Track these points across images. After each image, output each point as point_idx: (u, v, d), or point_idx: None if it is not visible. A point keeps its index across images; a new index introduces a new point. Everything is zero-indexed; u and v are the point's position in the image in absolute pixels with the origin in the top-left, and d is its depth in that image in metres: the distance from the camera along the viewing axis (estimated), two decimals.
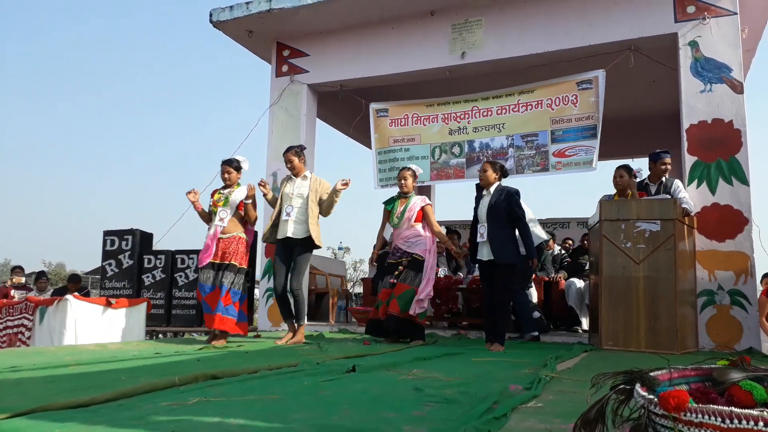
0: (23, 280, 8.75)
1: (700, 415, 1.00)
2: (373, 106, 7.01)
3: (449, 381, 2.70)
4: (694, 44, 5.41)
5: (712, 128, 5.26)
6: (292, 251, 4.81)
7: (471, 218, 4.80)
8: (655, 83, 7.43)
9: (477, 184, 4.97)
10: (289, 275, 4.81)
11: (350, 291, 8.44)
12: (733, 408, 0.97)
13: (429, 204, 5.14)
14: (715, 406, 0.99)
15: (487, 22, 6.25)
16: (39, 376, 2.76)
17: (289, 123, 6.98)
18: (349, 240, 65.19)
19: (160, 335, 7.18)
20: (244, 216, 4.95)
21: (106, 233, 7.82)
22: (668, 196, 4.98)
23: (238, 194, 4.93)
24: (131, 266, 7.63)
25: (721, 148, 5.21)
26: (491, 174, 4.68)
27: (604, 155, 9.16)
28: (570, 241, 8.28)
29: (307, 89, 7.01)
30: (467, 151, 6.55)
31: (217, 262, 4.80)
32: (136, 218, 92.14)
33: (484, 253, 4.59)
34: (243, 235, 4.92)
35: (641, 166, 5.61)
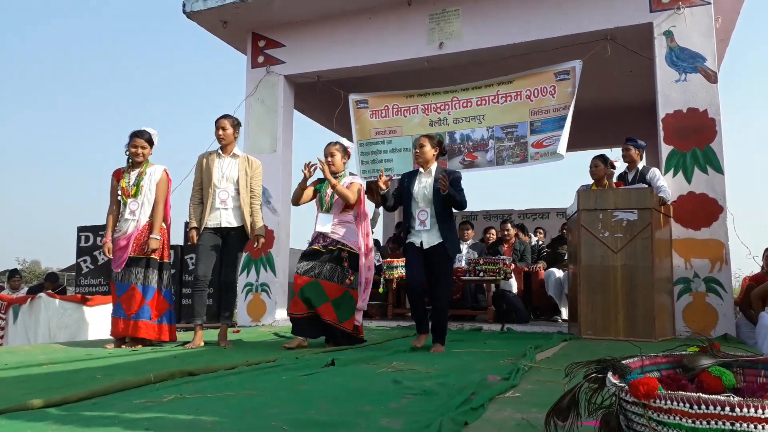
0: None
1: (669, 402, 1.01)
2: (353, 97, 6.96)
3: (428, 373, 2.71)
4: (669, 34, 5.45)
5: (687, 117, 5.32)
6: (224, 240, 4.30)
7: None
8: (631, 73, 7.48)
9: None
10: (224, 268, 4.27)
11: None
12: (701, 394, 0.98)
13: (361, 185, 4.35)
14: (684, 393, 0.99)
15: (465, 11, 6.23)
16: (11, 375, 2.72)
17: (265, 115, 6.90)
18: None
19: None
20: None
21: (80, 229, 7.68)
22: (645, 185, 5.03)
23: (153, 177, 4.34)
24: (107, 263, 7.49)
25: (697, 137, 5.27)
26: (429, 149, 3.99)
27: (581, 145, 9.25)
28: (542, 231, 8.42)
29: (284, 80, 6.93)
30: (448, 143, 6.51)
31: (137, 256, 4.27)
32: None
33: (424, 241, 3.92)
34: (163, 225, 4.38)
35: (618, 155, 5.65)
